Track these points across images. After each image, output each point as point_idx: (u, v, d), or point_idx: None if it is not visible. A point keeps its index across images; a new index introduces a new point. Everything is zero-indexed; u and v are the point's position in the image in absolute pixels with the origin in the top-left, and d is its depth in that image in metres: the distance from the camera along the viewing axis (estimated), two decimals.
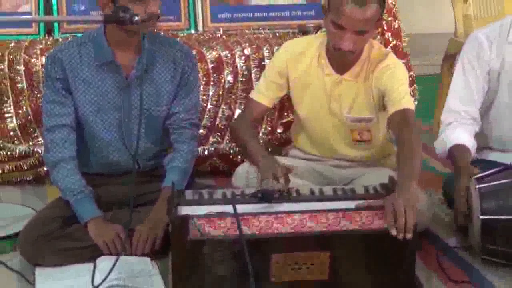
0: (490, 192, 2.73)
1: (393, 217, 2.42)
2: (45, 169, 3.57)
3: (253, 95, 3.14)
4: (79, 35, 3.33)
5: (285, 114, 3.72)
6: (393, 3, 4.02)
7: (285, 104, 3.34)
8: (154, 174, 3.07)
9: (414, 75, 3.97)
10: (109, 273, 2.55)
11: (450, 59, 4.45)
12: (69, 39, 3.40)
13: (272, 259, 2.47)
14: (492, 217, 2.69)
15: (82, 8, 3.82)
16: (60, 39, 3.69)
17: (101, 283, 2.55)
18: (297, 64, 3.04)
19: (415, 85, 3.91)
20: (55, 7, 3.82)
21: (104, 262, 2.67)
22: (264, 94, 3.10)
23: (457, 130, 3.09)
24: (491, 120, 3.23)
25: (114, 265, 2.57)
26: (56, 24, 3.81)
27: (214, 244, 2.46)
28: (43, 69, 3.47)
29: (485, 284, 2.69)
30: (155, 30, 3.17)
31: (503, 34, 3.15)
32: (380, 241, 2.49)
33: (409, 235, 2.42)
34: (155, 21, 2.82)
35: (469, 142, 3.06)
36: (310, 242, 2.49)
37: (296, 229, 2.50)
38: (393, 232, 2.42)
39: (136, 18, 2.71)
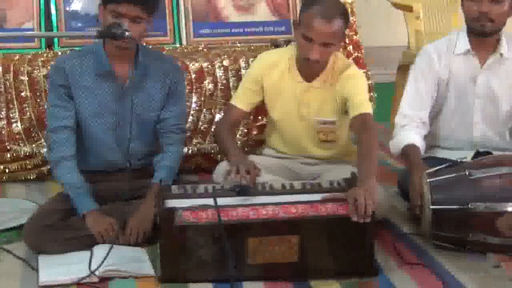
0: (439, 185, 2.75)
1: (354, 206, 2.46)
2: (47, 168, 3.55)
3: (232, 100, 3.15)
4: (77, 48, 3.32)
5: (259, 118, 3.71)
6: (354, 19, 4.03)
7: (259, 109, 3.34)
8: (145, 171, 3.05)
9: (373, 83, 3.98)
10: (104, 259, 2.55)
11: (403, 69, 4.46)
12: (68, 52, 3.39)
13: (248, 243, 2.48)
14: (441, 207, 2.70)
15: (79, 25, 3.81)
16: (60, 53, 3.67)
17: (97, 269, 2.54)
18: (270, 73, 3.05)
19: (372, 92, 3.92)
20: (55, 24, 3.80)
21: (100, 250, 2.66)
22: (241, 99, 3.11)
23: (409, 132, 3.11)
24: (440, 122, 3.26)
25: (108, 252, 2.56)
26: (56, 39, 3.79)
27: (196, 230, 2.47)
28: (44, 79, 3.47)
29: (435, 266, 2.70)
30: (148, 45, 3.19)
31: (450, 48, 3.17)
32: (342, 226, 2.52)
33: (367, 220, 2.46)
34: (136, 40, 2.84)
35: (419, 143, 3.08)
36: (282, 227, 2.51)
37: (269, 217, 2.51)
38: (354, 218, 2.47)
39: (127, 33, 2.72)
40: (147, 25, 2.84)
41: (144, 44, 3.09)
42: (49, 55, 3.64)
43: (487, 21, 2.99)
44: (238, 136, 3.68)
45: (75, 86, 2.91)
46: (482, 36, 3.07)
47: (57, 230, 2.75)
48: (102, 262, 2.54)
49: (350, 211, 2.48)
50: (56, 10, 3.80)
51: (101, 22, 2.83)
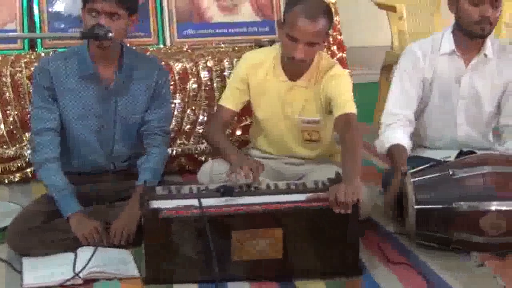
0: (423, 185, 2.75)
1: (335, 198, 2.46)
2: (31, 170, 3.54)
3: (221, 102, 3.14)
4: (60, 49, 3.30)
5: (244, 118, 3.72)
6: (338, 20, 4.03)
7: (243, 109, 3.33)
8: (130, 173, 3.04)
9: (353, 83, 3.97)
10: (88, 261, 2.54)
11: (387, 69, 4.49)
12: (51, 53, 3.37)
13: (232, 237, 2.48)
14: (425, 206, 2.71)
15: (62, 26, 3.78)
16: (43, 54, 3.64)
17: (81, 271, 2.52)
18: (256, 73, 3.04)
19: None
20: (38, 25, 3.77)
21: (84, 252, 2.64)
22: (230, 99, 3.10)
23: (396, 131, 3.11)
24: (424, 122, 3.27)
25: (93, 254, 2.55)
26: (39, 40, 3.76)
27: (180, 222, 2.46)
28: (28, 81, 3.44)
29: (420, 265, 2.70)
30: (131, 46, 3.18)
31: (435, 47, 3.18)
32: (325, 218, 2.52)
33: (348, 210, 2.46)
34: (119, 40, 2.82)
35: (406, 142, 3.08)
36: (265, 219, 2.51)
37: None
38: (336, 209, 2.47)
39: (110, 34, 2.70)
40: (128, 23, 2.82)
41: (128, 45, 3.08)
42: (32, 56, 3.62)
43: (487, 24, 3.01)
44: None
45: (59, 88, 2.89)
46: (480, 38, 3.08)
47: (41, 232, 2.74)
48: (87, 264, 2.53)
49: (330, 202, 2.49)
50: (39, 11, 3.77)
51: (83, 23, 2.82)
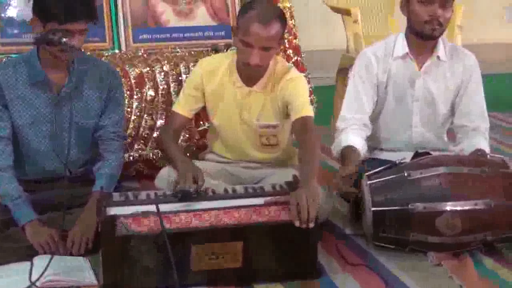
0: (380, 187, 2.78)
1: (297, 211, 2.45)
2: None
3: (174, 107, 3.13)
4: (13, 55, 3.25)
5: (201, 123, 3.71)
6: (293, 23, 4.05)
7: (200, 114, 3.33)
8: (85, 179, 3.01)
9: (312, 86, 3.99)
10: (44, 269, 2.50)
11: (343, 72, 4.51)
12: (3, 59, 3.32)
13: (192, 250, 2.47)
14: (381, 208, 2.73)
15: (16, 31, 3.73)
16: None
17: (38, 279, 2.49)
18: (211, 79, 3.04)
19: (311, 96, 3.93)
20: None
21: (40, 260, 2.60)
22: (183, 106, 3.09)
23: (349, 135, 3.14)
24: (380, 124, 3.30)
25: (49, 262, 2.52)
26: None
27: (139, 240, 2.45)
28: None
29: (378, 266, 2.72)
30: (83, 51, 3.14)
31: (388, 51, 3.22)
32: (285, 231, 2.52)
33: (311, 225, 2.46)
34: (74, 51, 2.77)
35: (359, 144, 3.11)
36: (225, 234, 2.50)
37: (213, 224, 2.50)
38: (297, 223, 2.46)
39: (64, 39, 2.68)
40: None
41: (82, 50, 3.05)
42: None
43: (437, 24, 3.05)
44: (180, 141, 3.65)
45: (9, 96, 2.86)
46: (431, 39, 3.12)
47: None
48: (43, 272, 2.50)
49: (292, 215, 2.48)
50: None
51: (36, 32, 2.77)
